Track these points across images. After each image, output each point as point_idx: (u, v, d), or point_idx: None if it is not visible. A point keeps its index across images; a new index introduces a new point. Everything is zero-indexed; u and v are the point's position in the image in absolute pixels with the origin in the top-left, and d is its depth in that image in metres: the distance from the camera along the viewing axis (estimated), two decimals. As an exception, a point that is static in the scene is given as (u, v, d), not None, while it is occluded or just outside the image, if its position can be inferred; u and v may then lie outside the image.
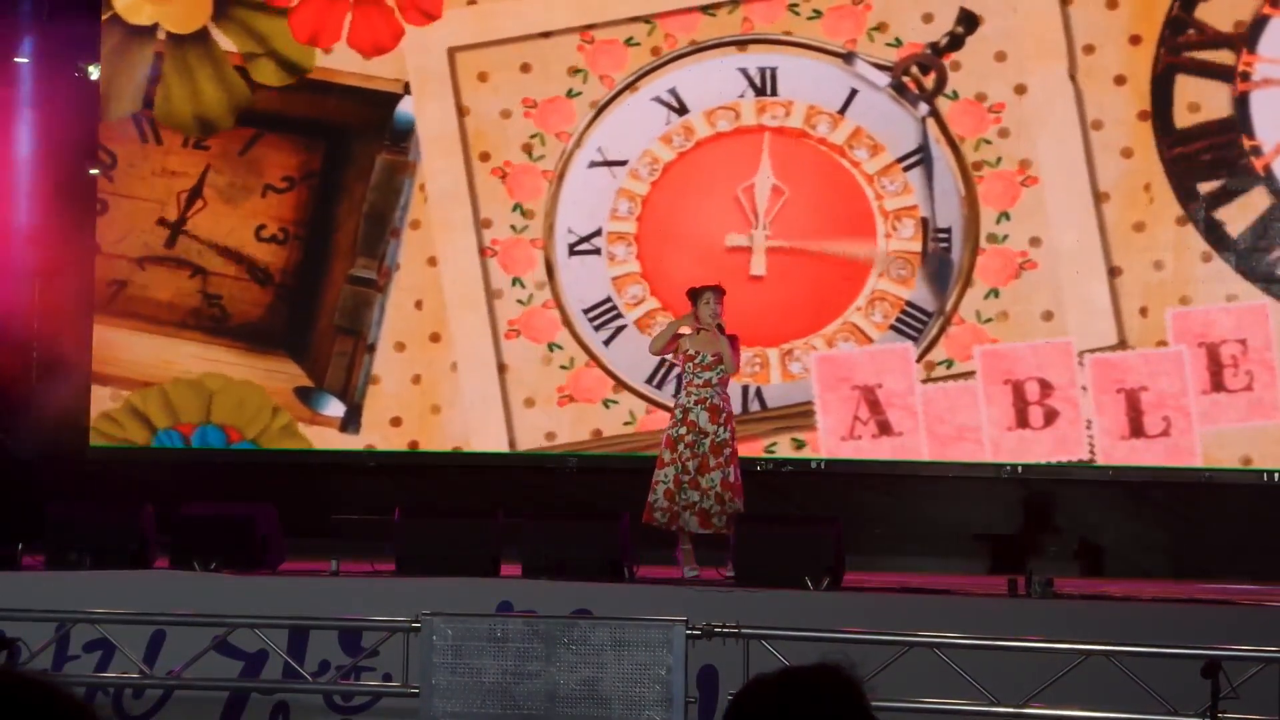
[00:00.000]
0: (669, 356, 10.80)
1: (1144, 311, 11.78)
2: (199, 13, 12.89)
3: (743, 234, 12.17)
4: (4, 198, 12.78)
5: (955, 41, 12.06)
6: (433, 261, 12.57)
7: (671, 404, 10.76)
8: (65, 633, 9.18)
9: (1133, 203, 11.83)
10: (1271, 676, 7.75)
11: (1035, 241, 11.92)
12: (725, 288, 10.46)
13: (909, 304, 12.03)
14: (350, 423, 12.63)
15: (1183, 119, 11.81)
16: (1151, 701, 7.86)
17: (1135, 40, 11.87)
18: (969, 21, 12.03)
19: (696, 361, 10.27)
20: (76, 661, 9.23)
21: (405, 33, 12.62)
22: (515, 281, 12.47)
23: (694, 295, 10.36)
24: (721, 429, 10.19)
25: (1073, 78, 11.90)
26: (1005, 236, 11.95)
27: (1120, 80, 11.87)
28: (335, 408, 12.66)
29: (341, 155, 12.77)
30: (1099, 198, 11.85)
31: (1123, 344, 11.78)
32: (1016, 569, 9.55)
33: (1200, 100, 11.80)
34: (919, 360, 11.99)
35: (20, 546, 10.23)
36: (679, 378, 10.62)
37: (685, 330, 10.37)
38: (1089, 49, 11.90)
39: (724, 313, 10.33)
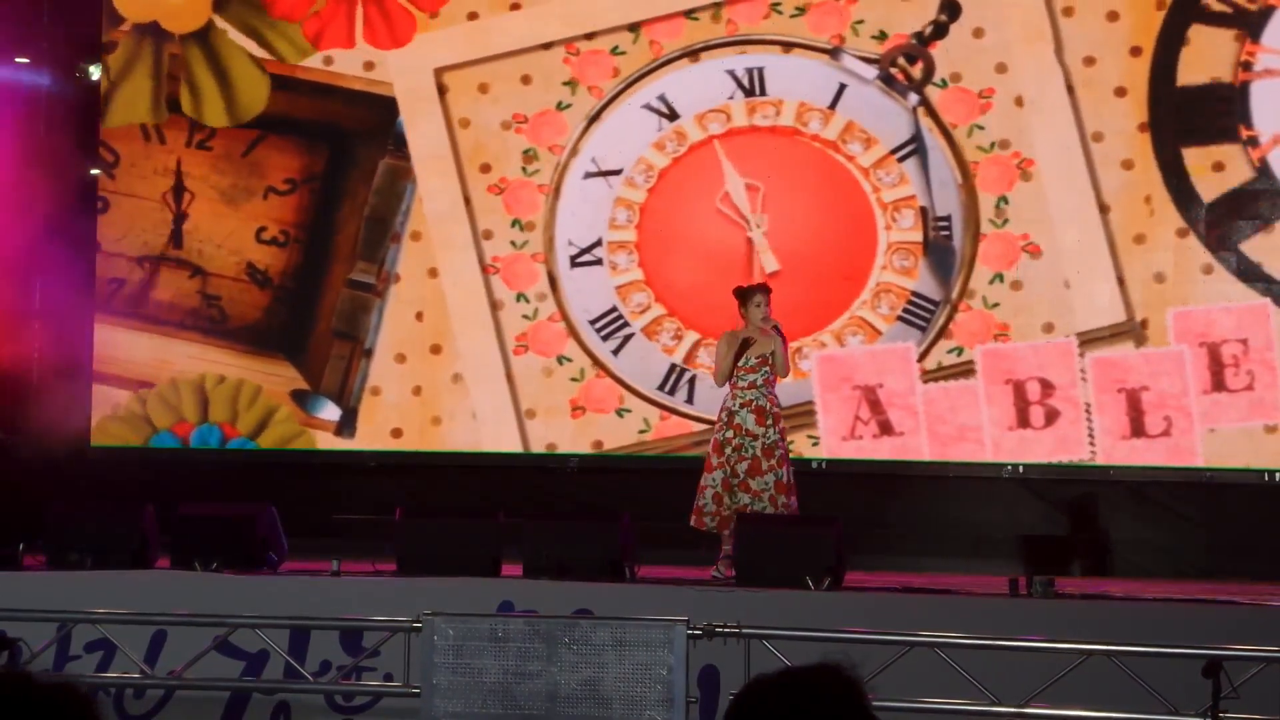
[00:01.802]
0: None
1: (1145, 324, 11.80)
2: (200, 11, 12.88)
3: (766, 257, 12.15)
4: (4, 198, 12.77)
5: (940, 30, 12.08)
6: (433, 273, 12.57)
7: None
8: (66, 633, 9.18)
9: (1133, 215, 11.84)
10: (1272, 676, 7.75)
11: (1035, 246, 11.93)
12: (735, 289, 10.39)
13: (914, 294, 12.05)
14: (345, 426, 12.64)
15: (1183, 129, 11.83)
16: (1152, 701, 7.86)
17: (1135, 52, 11.88)
18: (952, 9, 12.06)
19: (741, 364, 10.20)
20: (77, 661, 9.23)
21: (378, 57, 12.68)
22: (519, 297, 12.47)
23: (742, 296, 10.26)
24: (771, 430, 10.10)
25: (1070, 89, 11.91)
26: (1005, 221, 11.98)
27: (1120, 92, 11.88)
28: (331, 411, 12.67)
29: (345, 159, 12.77)
30: (1100, 210, 11.86)
31: (1130, 320, 11.78)
32: (1018, 568, 9.55)
33: (1199, 110, 11.82)
34: (927, 351, 12.01)
35: (21, 546, 10.21)
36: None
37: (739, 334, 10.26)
38: (1089, 60, 11.91)
39: (742, 314, 10.24)
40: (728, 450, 10.10)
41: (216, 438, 12.78)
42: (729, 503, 10.04)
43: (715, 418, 10.34)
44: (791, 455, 11.93)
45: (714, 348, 10.49)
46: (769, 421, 10.10)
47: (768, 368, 10.14)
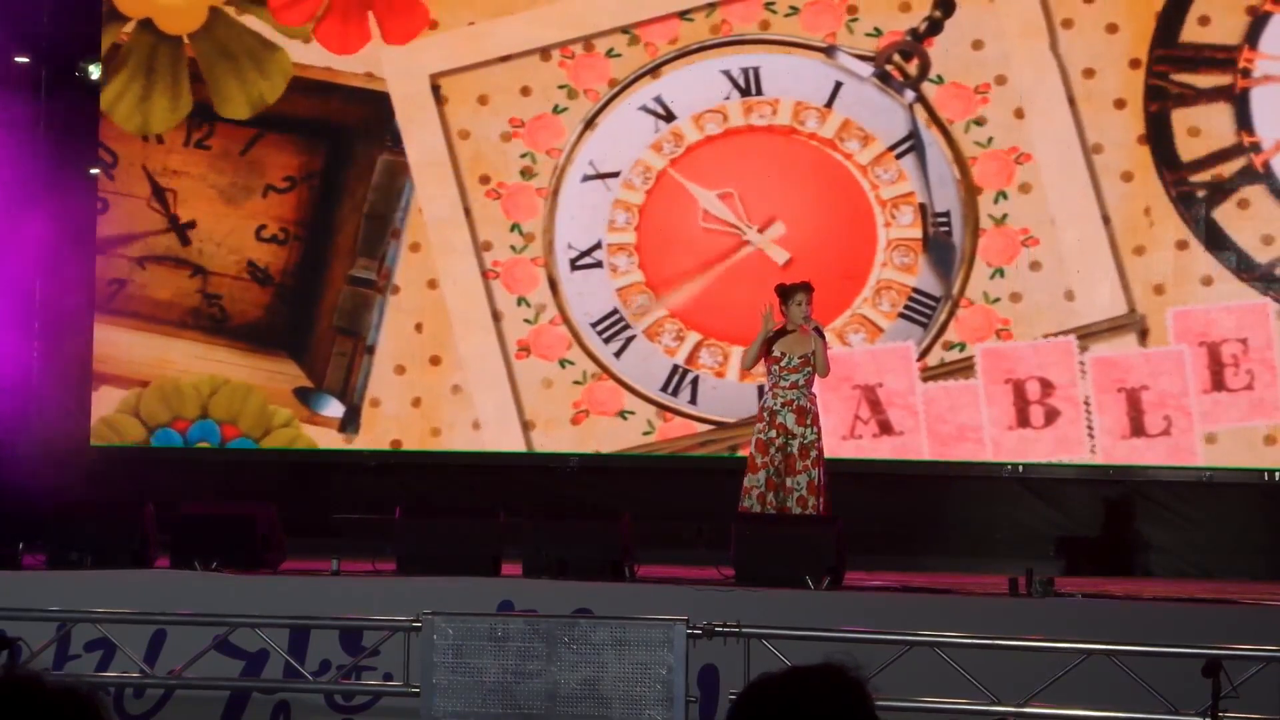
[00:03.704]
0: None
1: (1144, 334, 11.80)
2: (191, 19, 12.89)
3: (773, 251, 12.15)
4: (4, 198, 12.77)
5: (934, 26, 12.08)
6: (433, 284, 12.58)
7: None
8: (66, 632, 9.17)
9: (1133, 227, 11.84)
10: (1272, 676, 7.75)
11: (1034, 240, 11.94)
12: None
13: (915, 290, 12.06)
14: (349, 423, 12.64)
15: (1182, 140, 11.83)
16: (1152, 701, 7.86)
17: (1135, 64, 11.89)
18: (946, 5, 12.07)
19: (783, 364, 10.11)
20: (77, 661, 9.22)
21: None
22: (520, 301, 12.48)
23: (784, 294, 10.19)
24: (809, 430, 10.06)
25: (1070, 100, 11.92)
26: (1005, 216, 11.99)
27: (1120, 104, 11.89)
28: (335, 408, 12.67)
29: (343, 156, 12.78)
30: (1102, 221, 11.86)
31: (1131, 312, 11.79)
32: (1017, 568, 9.54)
33: (1199, 123, 11.81)
34: (929, 347, 12.01)
35: (21, 546, 10.20)
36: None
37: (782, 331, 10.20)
38: (1089, 73, 11.91)
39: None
40: (772, 450, 10.07)
41: (215, 436, 12.77)
42: (773, 501, 10.04)
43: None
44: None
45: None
46: (808, 420, 10.07)
47: (809, 368, 10.11)
